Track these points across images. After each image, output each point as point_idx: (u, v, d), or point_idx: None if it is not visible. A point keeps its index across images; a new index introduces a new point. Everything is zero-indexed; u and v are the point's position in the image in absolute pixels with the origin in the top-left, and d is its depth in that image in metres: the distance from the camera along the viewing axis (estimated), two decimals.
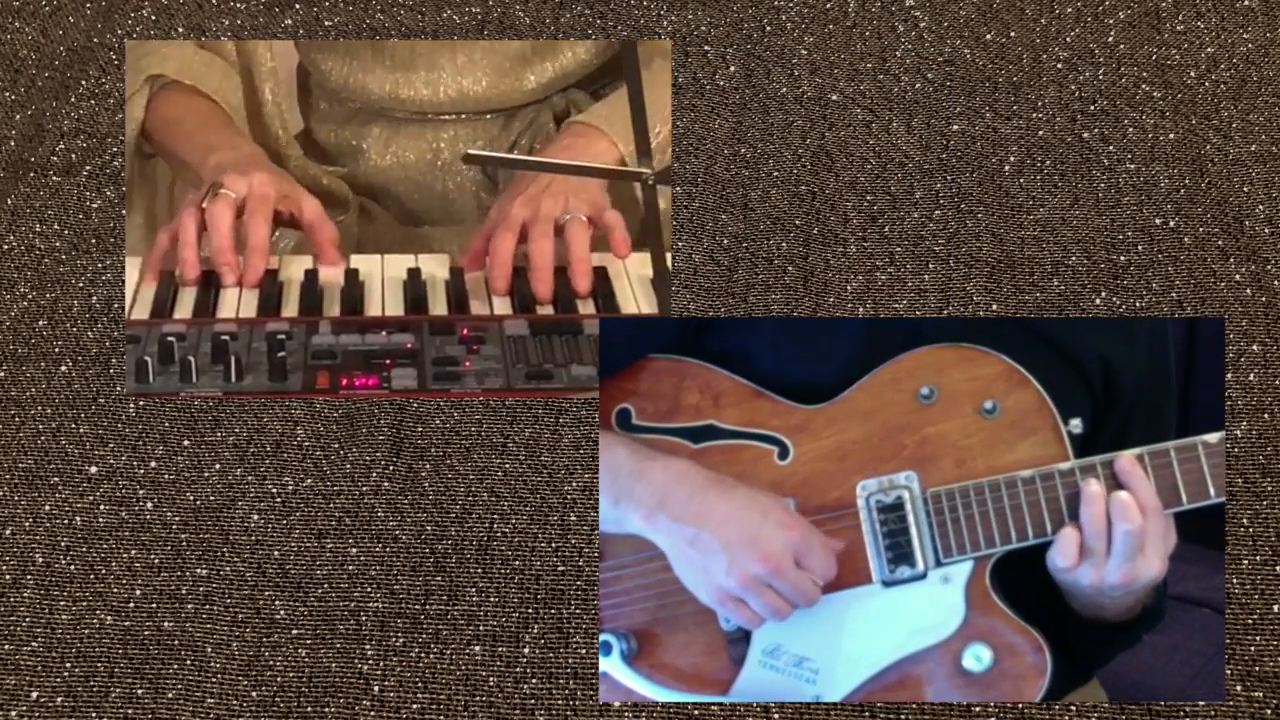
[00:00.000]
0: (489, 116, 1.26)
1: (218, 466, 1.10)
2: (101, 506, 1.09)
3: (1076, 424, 0.81)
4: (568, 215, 1.07)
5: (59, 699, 0.99)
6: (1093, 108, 1.31)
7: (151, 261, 1.08)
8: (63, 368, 1.18)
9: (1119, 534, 0.78)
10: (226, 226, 1.06)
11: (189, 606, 1.03)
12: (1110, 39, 1.37)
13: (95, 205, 1.30)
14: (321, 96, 1.30)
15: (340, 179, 1.27)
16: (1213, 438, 0.78)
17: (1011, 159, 1.27)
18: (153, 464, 1.11)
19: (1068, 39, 1.37)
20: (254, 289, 1.07)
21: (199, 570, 1.05)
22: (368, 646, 1.00)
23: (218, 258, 1.06)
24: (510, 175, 1.13)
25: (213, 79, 1.20)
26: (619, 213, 1.10)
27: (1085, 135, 1.28)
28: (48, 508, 1.09)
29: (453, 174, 1.26)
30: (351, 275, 1.09)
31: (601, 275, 1.10)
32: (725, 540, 0.79)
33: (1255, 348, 1.12)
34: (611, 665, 0.84)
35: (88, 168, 1.33)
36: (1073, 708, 0.94)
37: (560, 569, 1.03)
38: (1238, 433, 1.07)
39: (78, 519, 1.08)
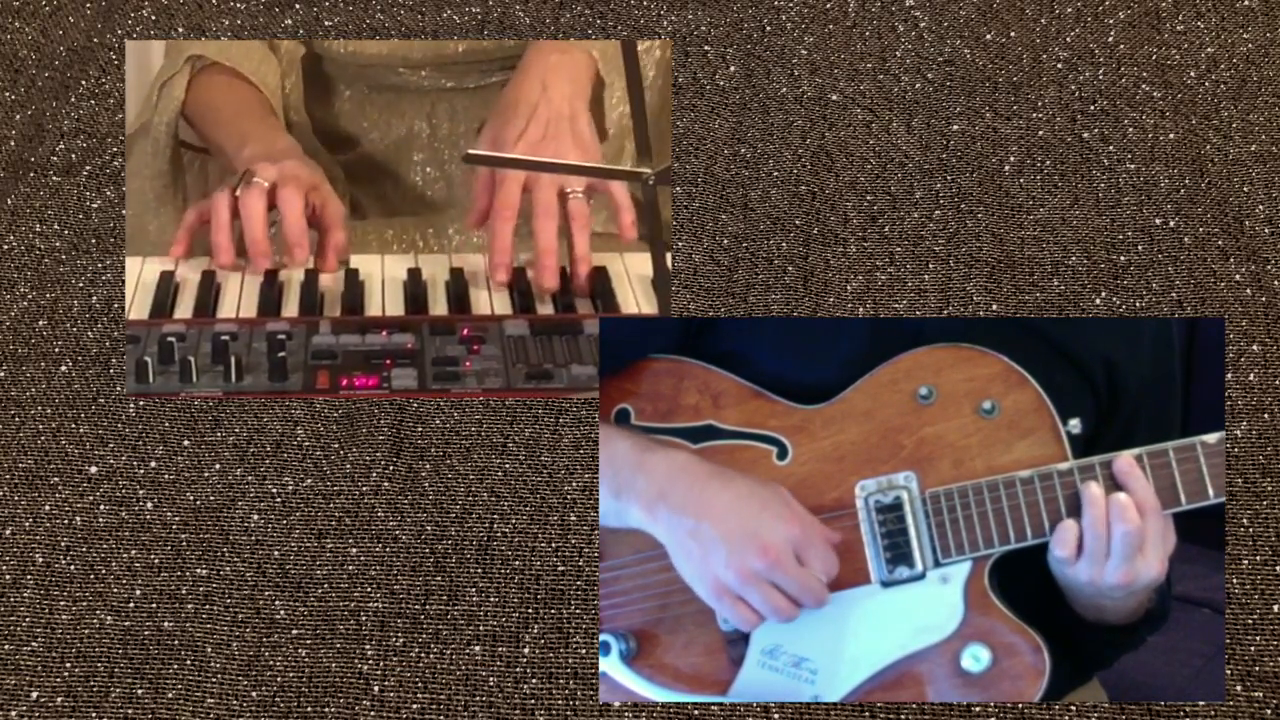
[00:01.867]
0: (489, 81, 1.25)
1: (218, 466, 1.10)
2: (101, 506, 1.09)
3: (1075, 424, 0.81)
4: (570, 191, 1.07)
5: (59, 699, 0.99)
6: (1093, 108, 1.31)
7: (179, 237, 1.08)
8: (63, 368, 1.18)
9: (1117, 535, 0.78)
10: (261, 215, 1.06)
11: (189, 606, 1.03)
12: (1110, 39, 1.37)
13: (95, 205, 1.30)
14: (329, 75, 1.30)
15: (340, 168, 1.27)
16: (1211, 438, 0.78)
17: (1011, 159, 1.27)
18: (153, 464, 1.11)
19: (1068, 39, 1.37)
20: (301, 267, 1.07)
21: (199, 570, 1.05)
22: (368, 646, 1.00)
23: (253, 248, 1.06)
24: (497, 112, 1.13)
25: (251, 61, 1.20)
26: (626, 191, 1.09)
27: (1085, 135, 1.28)
28: (48, 508, 1.09)
29: (455, 149, 1.27)
30: (351, 275, 1.10)
31: (602, 275, 1.10)
32: (725, 532, 0.78)
33: (1255, 348, 1.12)
34: (611, 666, 0.84)
35: (88, 168, 1.33)
36: (1073, 708, 0.94)
37: (560, 569, 1.03)
38: (1238, 433, 1.07)
39: (78, 519, 1.08)
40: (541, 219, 1.06)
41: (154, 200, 1.21)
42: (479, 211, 1.09)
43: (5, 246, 1.27)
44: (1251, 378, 1.10)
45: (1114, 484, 0.79)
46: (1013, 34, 1.38)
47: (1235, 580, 0.99)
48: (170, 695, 0.99)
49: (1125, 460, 0.79)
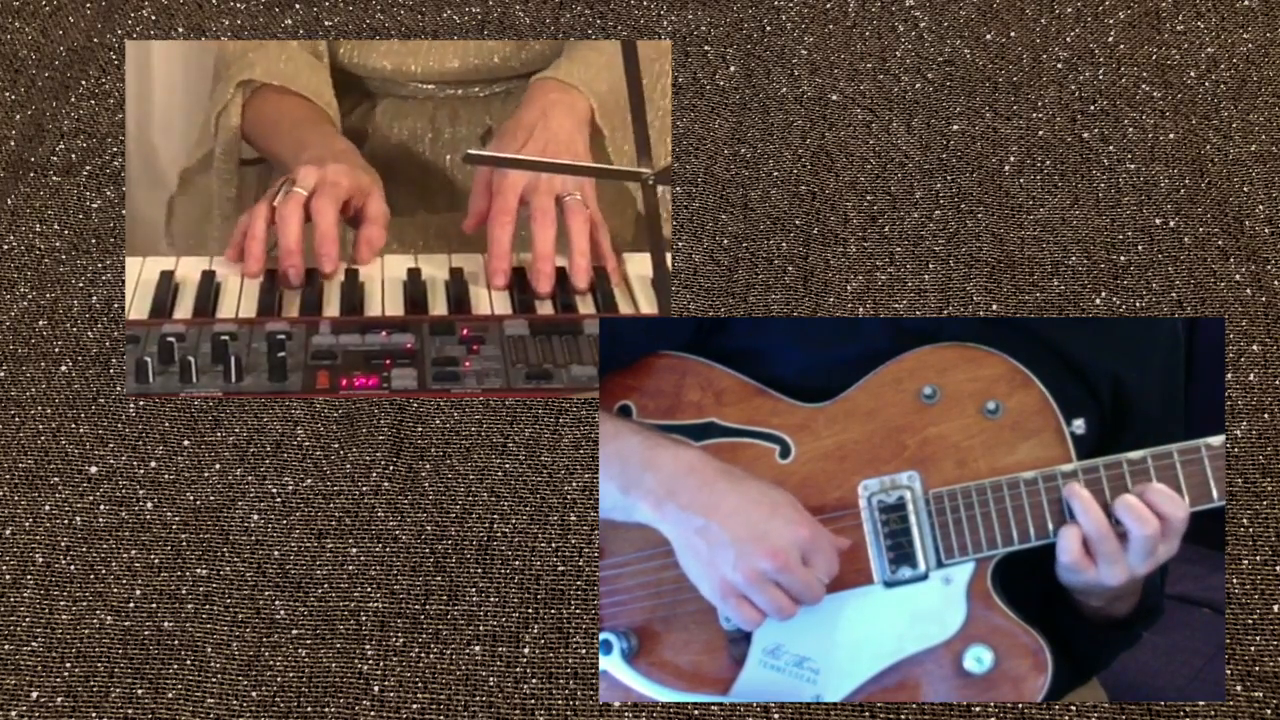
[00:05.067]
0: (491, 90, 1.26)
1: (218, 466, 1.10)
2: (101, 506, 1.09)
3: (1079, 425, 0.81)
4: (567, 195, 1.08)
5: (59, 699, 0.99)
6: (1093, 108, 1.31)
7: (234, 241, 1.09)
8: (63, 368, 1.18)
9: (1136, 539, 0.77)
10: (295, 227, 1.07)
11: (189, 606, 1.03)
12: (1110, 39, 1.37)
13: (95, 205, 1.30)
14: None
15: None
16: (1215, 441, 0.78)
17: (1011, 159, 1.27)
18: (153, 464, 1.11)
19: (1068, 39, 1.37)
20: (331, 278, 1.07)
21: (199, 570, 1.05)
22: (368, 646, 1.00)
23: (284, 259, 1.06)
24: (499, 135, 1.14)
25: (300, 76, 1.20)
26: (599, 216, 1.10)
27: (1085, 135, 1.28)
28: (48, 508, 1.09)
29: (456, 153, 1.27)
30: (351, 275, 1.09)
31: (601, 275, 1.10)
32: (733, 533, 0.78)
33: (1255, 348, 1.12)
34: (612, 664, 0.84)
35: (88, 168, 1.33)
36: (1073, 708, 0.94)
37: (560, 569, 1.03)
38: (1238, 433, 1.07)
39: (78, 519, 1.08)
40: (539, 224, 1.06)
41: (221, 221, 1.22)
42: (476, 214, 1.10)
43: (5, 246, 1.27)
44: (1251, 378, 1.10)
45: (1119, 486, 0.79)
46: (1013, 34, 1.38)
47: (1235, 580, 0.99)
48: (170, 695, 0.99)
49: (1140, 493, 0.78)
